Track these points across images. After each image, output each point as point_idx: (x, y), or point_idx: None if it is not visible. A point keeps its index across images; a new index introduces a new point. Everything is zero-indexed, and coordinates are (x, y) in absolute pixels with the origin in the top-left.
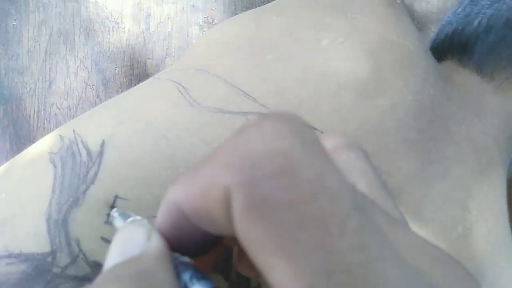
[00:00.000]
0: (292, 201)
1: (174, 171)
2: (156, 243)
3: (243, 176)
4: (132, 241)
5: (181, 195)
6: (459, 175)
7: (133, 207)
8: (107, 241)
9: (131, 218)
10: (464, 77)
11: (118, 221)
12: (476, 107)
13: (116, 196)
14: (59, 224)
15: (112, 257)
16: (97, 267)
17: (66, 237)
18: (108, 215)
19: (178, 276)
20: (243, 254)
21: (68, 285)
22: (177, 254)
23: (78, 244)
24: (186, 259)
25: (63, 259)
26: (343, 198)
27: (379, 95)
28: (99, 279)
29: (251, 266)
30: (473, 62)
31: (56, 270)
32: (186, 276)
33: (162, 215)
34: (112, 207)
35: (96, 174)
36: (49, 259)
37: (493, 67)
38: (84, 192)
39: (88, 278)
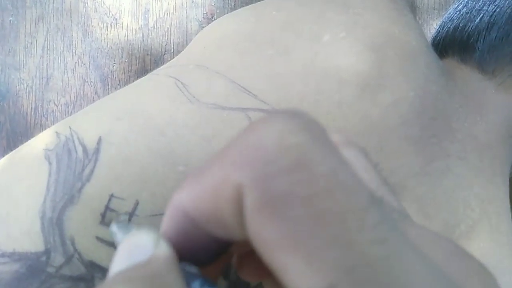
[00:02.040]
0: (308, 196)
1: (172, 168)
2: (164, 249)
3: (255, 172)
4: (139, 248)
5: (188, 199)
6: (462, 172)
7: (130, 205)
8: (103, 240)
9: (134, 229)
10: (466, 75)
11: (118, 235)
12: (478, 104)
13: (112, 195)
14: (54, 223)
15: (118, 263)
16: (92, 267)
17: (60, 236)
18: (103, 216)
19: (187, 285)
20: (246, 260)
21: (63, 285)
22: (184, 263)
23: (73, 244)
24: (193, 268)
25: (57, 258)
26: (360, 192)
27: (381, 91)
28: (106, 282)
29: (254, 271)
30: (475, 60)
31: (50, 269)
32: (196, 284)
33: (168, 222)
34: (108, 207)
35: (92, 171)
36: (43, 258)
37: (495, 64)
38: (80, 190)
39: (83, 278)
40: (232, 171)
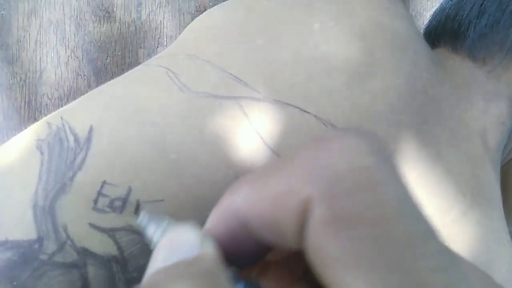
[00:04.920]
0: (375, 218)
1: (164, 156)
2: (211, 248)
3: (326, 189)
4: (184, 244)
5: (246, 204)
6: (453, 159)
7: (122, 192)
8: (95, 227)
9: (167, 221)
10: (457, 63)
11: (151, 226)
12: (469, 92)
13: (104, 182)
14: (46, 211)
15: (161, 258)
16: (84, 253)
17: (53, 223)
18: (95, 201)
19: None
20: (271, 268)
21: (56, 272)
22: (225, 264)
23: (65, 231)
24: (233, 270)
25: (50, 246)
26: (425, 219)
27: (371, 78)
28: (151, 278)
29: (276, 281)
30: (466, 48)
31: (43, 257)
32: (239, 286)
33: (216, 222)
34: (100, 193)
35: (83, 160)
36: (36, 246)
37: (485, 52)
38: (72, 178)
39: (76, 265)
40: (301, 184)
